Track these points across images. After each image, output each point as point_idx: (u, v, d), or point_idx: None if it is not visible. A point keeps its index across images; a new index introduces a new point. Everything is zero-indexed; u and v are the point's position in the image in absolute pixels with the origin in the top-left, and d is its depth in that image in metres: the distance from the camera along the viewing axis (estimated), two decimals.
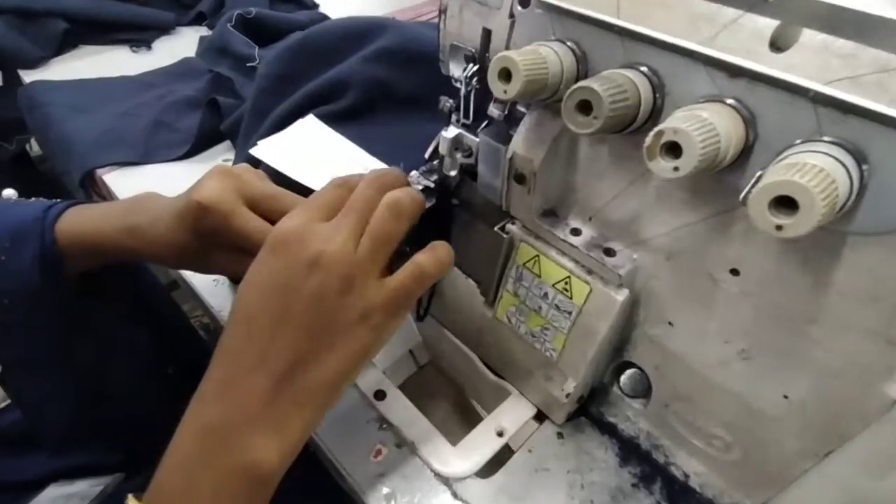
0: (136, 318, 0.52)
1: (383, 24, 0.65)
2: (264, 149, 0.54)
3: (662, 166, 0.24)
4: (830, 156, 0.23)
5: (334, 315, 0.31)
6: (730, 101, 0.26)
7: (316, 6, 1.00)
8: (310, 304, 0.31)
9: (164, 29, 0.94)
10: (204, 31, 0.95)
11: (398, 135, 0.58)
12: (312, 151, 0.56)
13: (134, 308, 0.52)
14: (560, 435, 0.45)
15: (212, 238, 0.39)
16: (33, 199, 0.45)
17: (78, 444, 0.48)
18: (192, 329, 0.59)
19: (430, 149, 0.45)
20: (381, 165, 0.56)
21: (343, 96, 0.61)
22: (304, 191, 0.44)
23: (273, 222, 0.38)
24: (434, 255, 0.35)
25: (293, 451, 0.32)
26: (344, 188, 0.35)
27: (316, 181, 0.50)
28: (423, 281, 0.34)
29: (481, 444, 0.44)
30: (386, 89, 0.62)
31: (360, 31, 0.65)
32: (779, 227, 0.21)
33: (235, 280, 0.52)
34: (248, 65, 0.72)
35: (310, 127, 0.59)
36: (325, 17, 0.91)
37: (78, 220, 0.42)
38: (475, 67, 0.37)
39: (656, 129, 0.24)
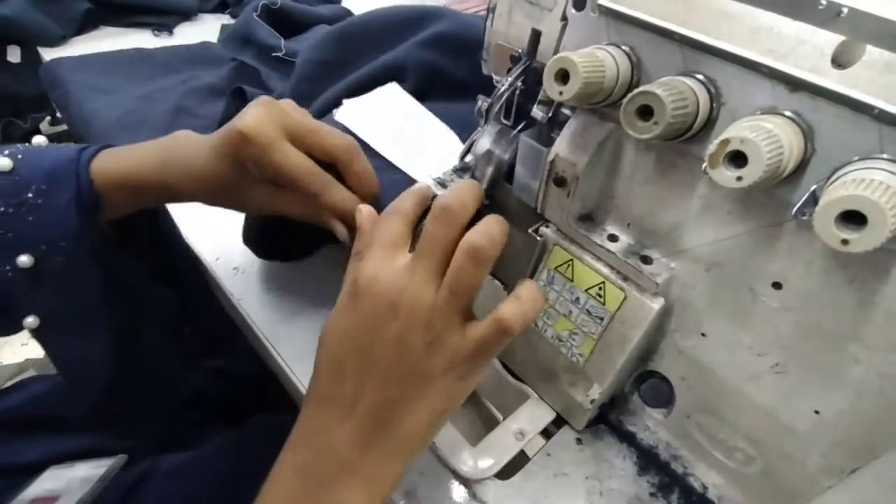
0: (163, 277, 0.52)
1: (437, 12, 0.65)
2: (346, 112, 0.54)
3: (725, 176, 0.24)
4: (892, 173, 0.23)
5: (420, 364, 0.31)
6: (788, 113, 0.26)
7: (338, 0, 1.00)
8: (395, 351, 0.31)
9: (187, 15, 0.94)
10: (226, 18, 0.94)
11: (453, 119, 0.58)
12: (394, 120, 0.55)
13: (162, 266, 0.52)
14: (579, 441, 0.45)
15: (250, 171, 0.39)
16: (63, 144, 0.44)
17: (111, 416, 0.48)
18: (205, 285, 0.58)
19: (464, 148, 0.45)
20: (459, 143, 0.55)
21: (400, 80, 0.62)
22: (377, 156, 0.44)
23: (314, 158, 0.38)
24: (519, 307, 0.32)
25: (382, 501, 0.32)
26: (409, 217, 0.35)
27: (395, 153, 0.50)
28: (506, 335, 0.32)
29: (500, 445, 0.44)
30: (441, 74, 0.63)
31: (413, 18, 0.65)
32: (844, 242, 0.21)
33: (265, 221, 0.51)
34: (274, 55, 0.72)
35: (393, 94, 0.59)
36: (348, 12, 0.91)
37: (113, 159, 0.41)
38: (521, 68, 0.37)
39: (722, 137, 0.24)
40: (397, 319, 0.30)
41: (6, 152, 0.40)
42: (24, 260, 0.39)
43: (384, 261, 0.32)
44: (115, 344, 0.45)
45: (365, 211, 0.36)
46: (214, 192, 0.41)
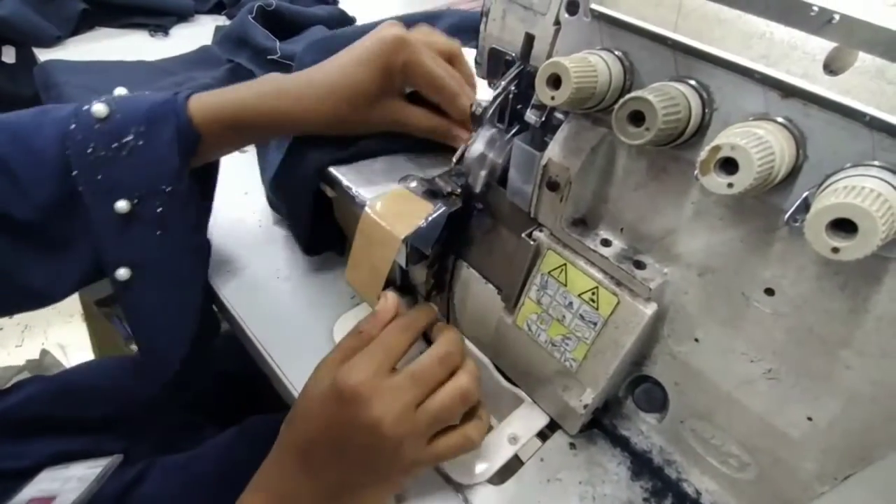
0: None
1: (440, 12, 0.66)
2: None
3: (716, 182, 0.24)
4: (883, 180, 0.23)
5: (383, 467, 0.35)
6: (780, 120, 0.26)
7: (336, 1, 1.00)
8: (362, 455, 0.35)
9: (183, 16, 0.94)
10: (222, 20, 0.94)
11: None
12: None
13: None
14: (573, 446, 0.45)
15: (394, 79, 0.41)
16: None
17: (186, 385, 0.48)
18: None
19: (458, 154, 0.45)
20: None
21: None
22: None
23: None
24: (481, 428, 0.39)
25: None
26: (413, 335, 0.40)
27: None
28: (466, 449, 0.39)
29: (493, 450, 0.43)
30: None
31: (419, 17, 0.65)
32: (835, 250, 0.21)
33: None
34: (269, 57, 0.72)
35: None
36: (343, 14, 0.91)
37: (211, 97, 0.41)
38: (515, 72, 0.37)
39: (713, 143, 0.24)
40: (375, 435, 0.34)
41: (102, 100, 0.39)
42: (121, 206, 0.38)
43: (375, 373, 0.35)
44: (202, 300, 0.46)
45: (390, 298, 0.40)
46: (346, 109, 0.42)
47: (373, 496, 0.36)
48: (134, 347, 1.07)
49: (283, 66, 0.71)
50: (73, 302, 0.68)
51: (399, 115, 0.44)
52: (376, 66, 0.40)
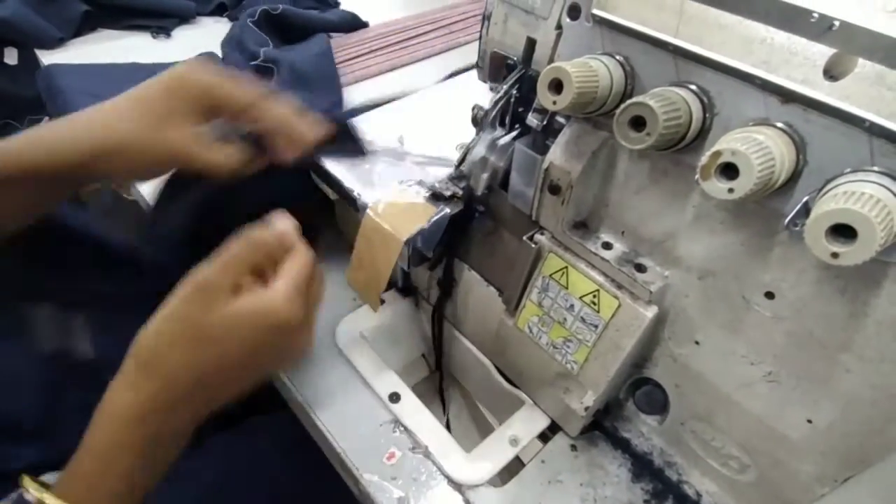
0: None
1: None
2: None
3: (717, 187, 0.24)
4: (883, 186, 0.23)
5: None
6: (780, 124, 0.26)
7: (337, 5, 1.00)
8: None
9: (185, 17, 0.94)
10: (224, 21, 0.94)
11: None
12: None
13: None
14: (574, 447, 0.45)
15: (179, 113, 0.39)
16: None
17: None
18: None
19: (459, 157, 0.45)
20: None
21: None
22: None
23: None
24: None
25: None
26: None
27: None
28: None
29: (495, 452, 0.44)
30: None
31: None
32: (834, 255, 0.21)
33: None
34: (251, 63, 0.72)
35: None
36: (356, 17, 0.91)
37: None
38: (517, 76, 0.37)
39: (713, 149, 0.24)
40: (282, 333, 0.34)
41: None
42: None
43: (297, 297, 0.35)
44: None
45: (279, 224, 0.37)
46: (131, 122, 0.40)
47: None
48: None
49: (268, 70, 0.71)
50: None
51: (193, 143, 0.41)
52: (161, 83, 0.40)
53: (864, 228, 0.20)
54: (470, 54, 0.89)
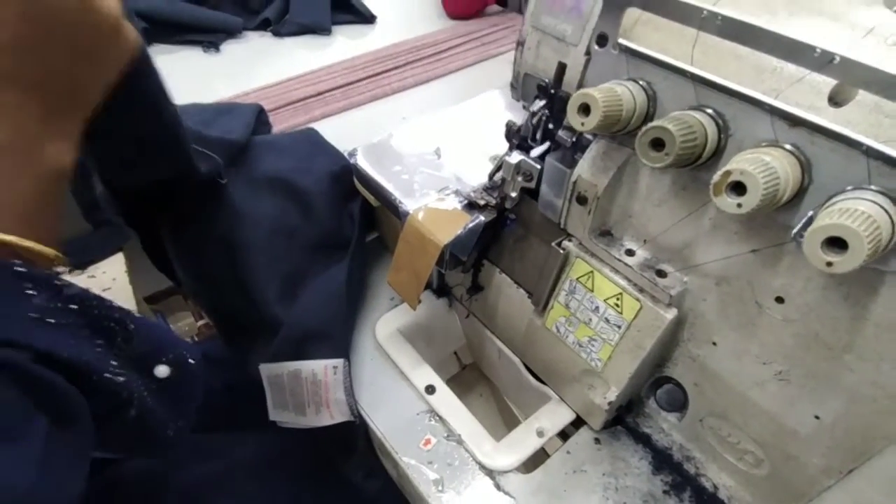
0: None
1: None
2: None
3: (727, 203, 0.27)
4: (877, 203, 0.26)
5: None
6: (788, 146, 0.29)
7: (374, 17, 1.05)
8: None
9: (231, 32, 1.00)
10: (269, 36, 1.00)
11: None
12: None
13: None
14: (597, 440, 0.48)
15: None
16: None
17: None
18: None
19: (493, 168, 0.49)
20: None
21: None
22: None
23: None
24: None
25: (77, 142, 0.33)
26: None
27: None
28: None
29: (523, 441, 0.47)
30: None
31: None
32: (829, 264, 0.24)
33: None
34: None
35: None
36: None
37: None
38: (548, 97, 0.41)
39: (724, 169, 0.27)
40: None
41: None
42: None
43: None
44: None
45: None
46: None
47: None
48: None
49: None
50: (130, 299, 0.73)
51: None
52: None
53: (854, 241, 0.23)
54: (501, 65, 0.92)
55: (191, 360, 0.37)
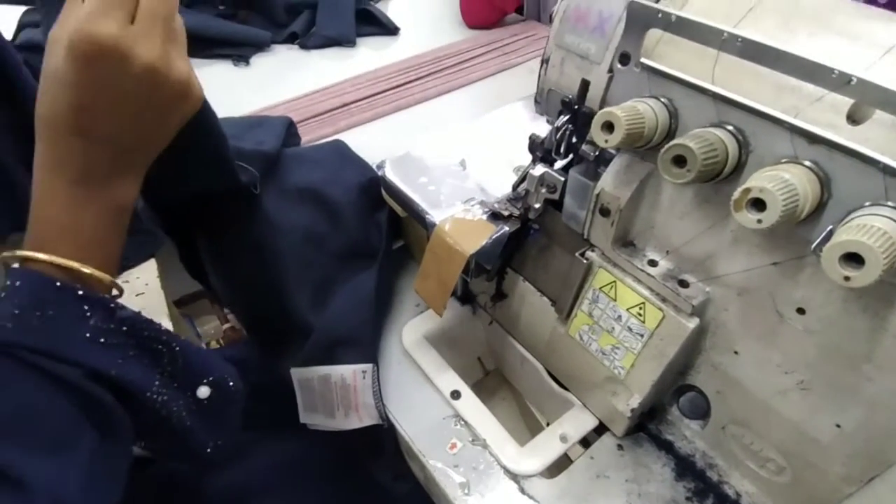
0: None
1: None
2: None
3: (747, 218, 0.28)
4: (893, 220, 0.27)
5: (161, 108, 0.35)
6: (807, 162, 0.30)
7: (397, 29, 1.08)
8: (142, 105, 0.34)
9: (260, 46, 1.03)
10: (296, 49, 1.03)
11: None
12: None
13: None
14: (620, 447, 0.49)
15: None
16: None
17: None
18: None
19: (517, 179, 0.51)
20: None
21: None
22: None
23: None
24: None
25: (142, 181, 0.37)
26: None
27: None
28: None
29: (546, 447, 0.48)
30: None
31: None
32: (847, 278, 0.25)
33: None
34: None
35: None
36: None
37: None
38: (572, 112, 0.42)
39: (744, 186, 0.28)
40: (151, 79, 0.33)
41: None
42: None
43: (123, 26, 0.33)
44: None
45: None
46: None
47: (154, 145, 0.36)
48: None
49: None
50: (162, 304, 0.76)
51: None
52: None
53: (870, 257, 0.24)
54: (522, 74, 0.94)
55: (231, 383, 0.40)
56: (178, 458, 0.42)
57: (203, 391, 0.39)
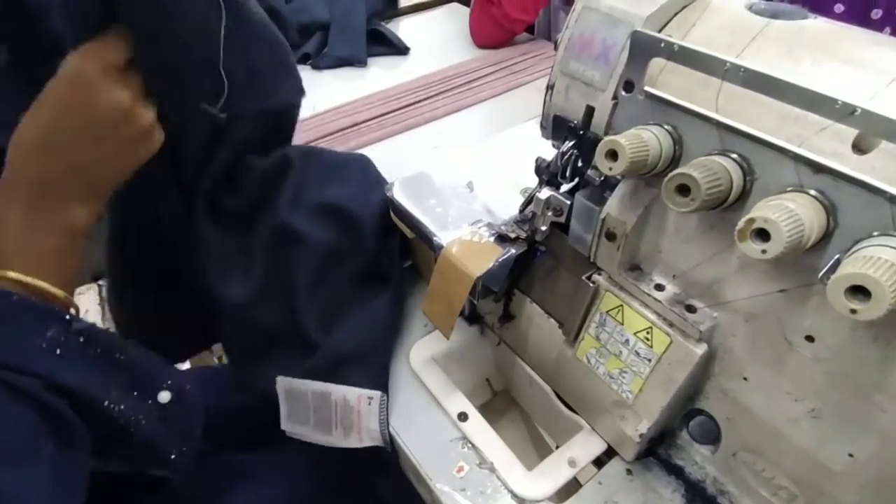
0: None
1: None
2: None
3: (752, 249, 0.28)
4: None
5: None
6: (812, 191, 0.30)
7: (407, 49, 1.09)
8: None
9: None
10: (308, 69, 1.05)
11: None
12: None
13: None
14: (629, 471, 0.48)
15: None
16: None
17: None
18: None
19: (524, 202, 0.51)
20: None
21: None
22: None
23: None
24: None
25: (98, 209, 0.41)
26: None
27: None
28: None
29: (555, 471, 0.48)
30: None
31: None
32: (853, 311, 0.25)
33: None
34: None
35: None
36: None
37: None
38: (577, 137, 0.42)
39: (748, 216, 0.28)
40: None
41: None
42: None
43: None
44: None
45: None
46: None
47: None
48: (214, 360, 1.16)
49: None
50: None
51: None
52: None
53: (877, 290, 0.24)
54: (531, 93, 0.95)
55: (188, 387, 0.42)
56: (144, 466, 0.43)
57: (164, 396, 0.41)
